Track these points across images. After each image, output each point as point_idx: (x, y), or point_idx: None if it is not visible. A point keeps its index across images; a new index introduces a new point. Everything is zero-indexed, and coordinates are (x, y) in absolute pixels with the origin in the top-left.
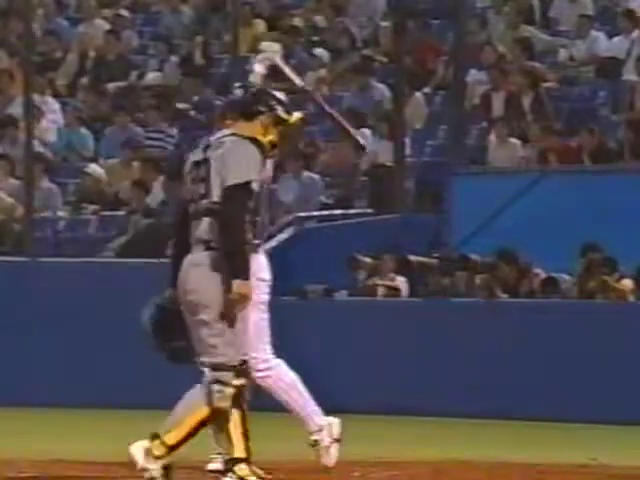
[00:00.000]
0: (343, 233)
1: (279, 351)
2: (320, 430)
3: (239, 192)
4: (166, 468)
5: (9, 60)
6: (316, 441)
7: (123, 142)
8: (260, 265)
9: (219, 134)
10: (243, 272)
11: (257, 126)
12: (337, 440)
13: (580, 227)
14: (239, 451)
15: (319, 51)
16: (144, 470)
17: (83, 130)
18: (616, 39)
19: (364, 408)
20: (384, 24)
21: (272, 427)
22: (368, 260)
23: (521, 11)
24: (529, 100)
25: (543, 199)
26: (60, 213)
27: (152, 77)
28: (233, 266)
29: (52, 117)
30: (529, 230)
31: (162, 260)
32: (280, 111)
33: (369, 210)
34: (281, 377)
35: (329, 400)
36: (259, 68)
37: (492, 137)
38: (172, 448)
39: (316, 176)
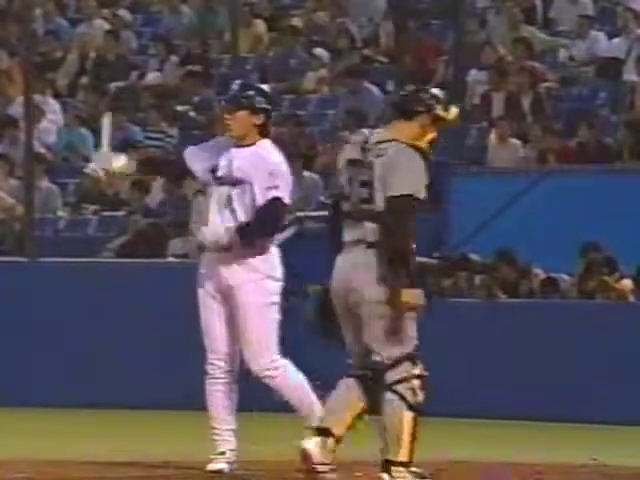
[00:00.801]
0: None
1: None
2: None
3: (404, 203)
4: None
5: (9, 60)
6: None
7: (121, 142)
8: (274, 265)
9: (378, 135)
10: (408, 281)
11: (415, 127)
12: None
13: (580, 227)
14: (403, 455)
15: (319, 51)
16: None
17: (83, 130)
18: (616, 39)
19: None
20: (384, 24)
21: (273, 427)
22: None
23: (521, 11)
24: (529, 100)
25: (543, 199)
26: (60, 213)
27: (152, 77)
28: (397, 276)
29: (52, 117)
30: (529, 230)
31: (161, 260)
32: (439, 109)
33: None
34: (288, 377)
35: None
36: None
37: (492, 137)
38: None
39: (316, 176)
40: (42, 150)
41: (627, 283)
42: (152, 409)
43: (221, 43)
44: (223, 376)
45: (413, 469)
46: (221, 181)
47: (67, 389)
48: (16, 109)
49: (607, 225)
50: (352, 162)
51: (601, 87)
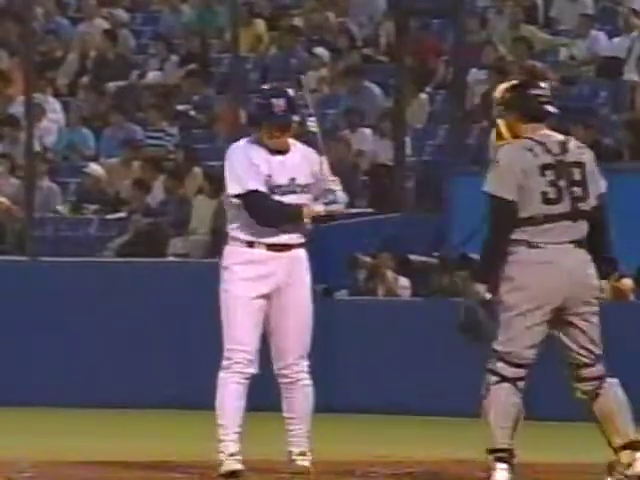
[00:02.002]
0: (343, 233)
1: None
2: (308, 453)
3: (606, 198)
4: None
5: (9, 59)
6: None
7: (121, 141)
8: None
9: (548, 137)
10: (615, 272)
11: (545, 127)
12: None
13: None
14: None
15: (319, 50)
16: None
17: (84, 130)
18: (617, 39)
19: (365, 407)
20: (384, 23)
21: (272, 427)
22: (368, 260)
23: (522, 10)
24: None
25: None
26: (61, 212)
27: (152, 76)
28: (608, 268)
29: (53, 116)
30: None
31: (162, 259)
32: None
33: (369, 210)
34: (312, 386)
35: (331, 399)
36: None
37: (493, 137)
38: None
39: None
40: (43, 149)
41: (627, 282)
42: (152, 409)
43: (221, 42)
44: (246, 375)
45: None
46: (285, 190)
47: (67, 389)
48: (17, 108)
49: None
50: (548, 166)
51: (602, 86)
